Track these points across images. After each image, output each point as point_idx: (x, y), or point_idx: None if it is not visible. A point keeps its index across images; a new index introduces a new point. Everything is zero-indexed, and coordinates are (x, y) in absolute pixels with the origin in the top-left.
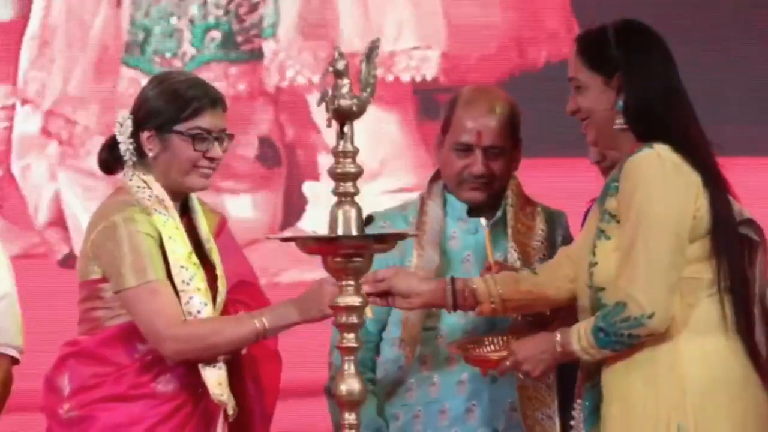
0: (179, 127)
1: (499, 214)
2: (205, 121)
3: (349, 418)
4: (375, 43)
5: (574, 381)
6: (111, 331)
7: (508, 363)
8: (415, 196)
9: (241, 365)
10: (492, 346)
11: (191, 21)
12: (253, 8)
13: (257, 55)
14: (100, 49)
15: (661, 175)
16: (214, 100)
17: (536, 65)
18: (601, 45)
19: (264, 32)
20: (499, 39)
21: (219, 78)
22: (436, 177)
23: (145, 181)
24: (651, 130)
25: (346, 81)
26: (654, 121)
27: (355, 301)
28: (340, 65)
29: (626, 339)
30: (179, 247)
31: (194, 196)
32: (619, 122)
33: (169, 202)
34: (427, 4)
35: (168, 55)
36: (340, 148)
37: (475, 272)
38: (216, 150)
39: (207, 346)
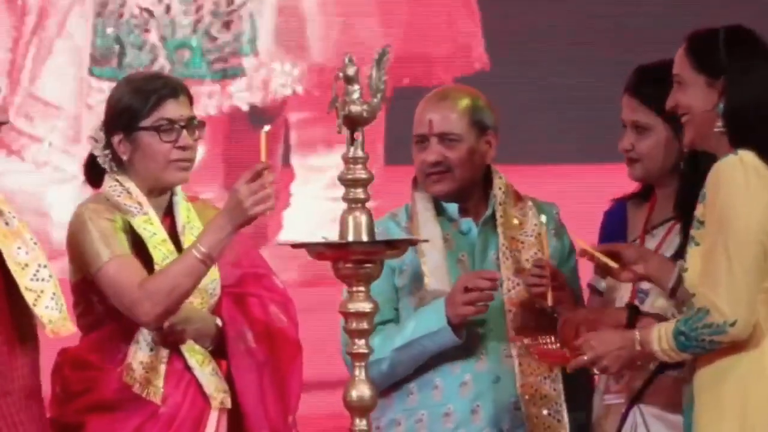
0: (144, 123)
1: (488, 213)
2: (168, 111)
3: (360, 424)
4: (385, 48)
5: (584, 373)
6: (94, 336)
7: (586, 358)
8: None
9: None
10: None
11: (163, 38)
12: (226, 26)
13: (232, 73)
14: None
15: (742, 180)
16: (174, 89)
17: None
18: (710, 46)
19: (242, 49)
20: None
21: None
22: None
23: (117, 180)
24: (745, 136)
25: (356, 87)
26: (750, 127)
27: (366, 307)
28: (351, 71)
29: (707, 344)
30: (153, 234)
31: (179, 190)
32: (719, 125)
33: (142, 198)
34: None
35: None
36: (351, 154)
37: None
38: (185, 138)
39: (167, 292)
